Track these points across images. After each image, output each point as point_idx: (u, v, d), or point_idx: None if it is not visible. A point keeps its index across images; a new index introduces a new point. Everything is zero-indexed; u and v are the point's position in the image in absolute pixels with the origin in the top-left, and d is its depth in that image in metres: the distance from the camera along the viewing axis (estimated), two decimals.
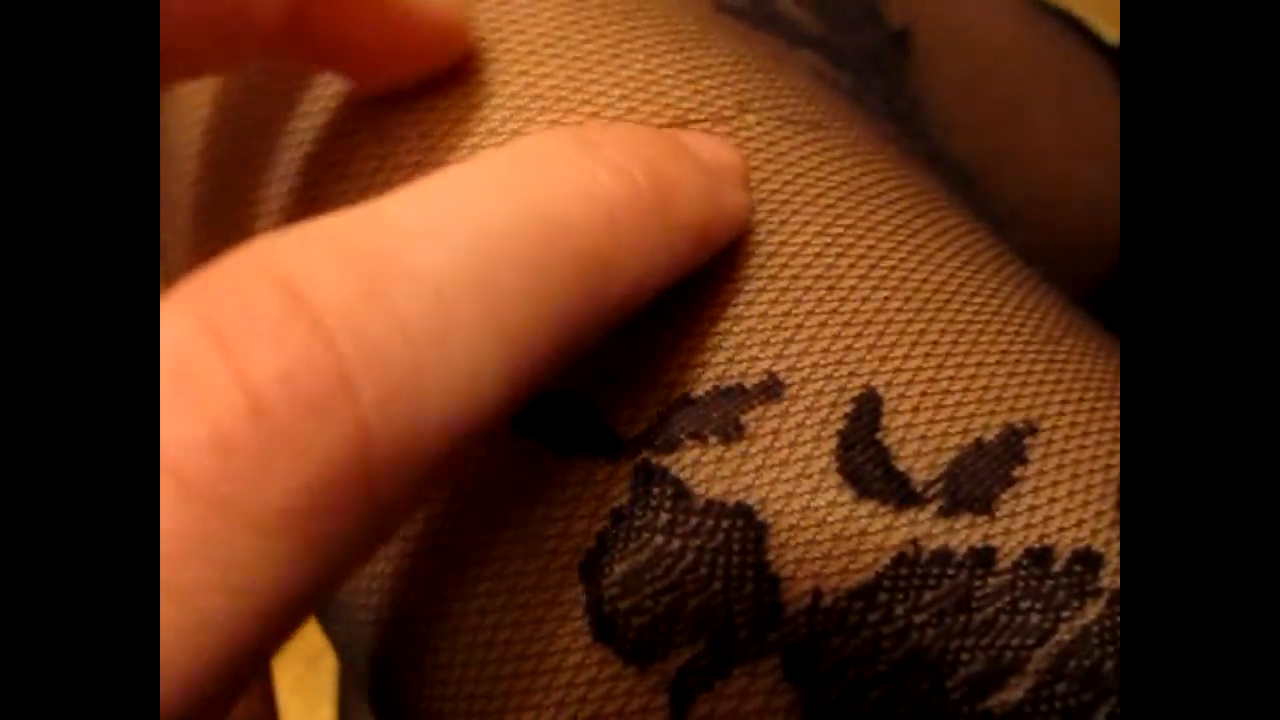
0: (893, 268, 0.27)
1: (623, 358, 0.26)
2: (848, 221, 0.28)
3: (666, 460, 0.25)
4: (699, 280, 0.26)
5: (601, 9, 0.29)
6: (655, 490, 0.25)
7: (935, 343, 0.26)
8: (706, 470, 0.25)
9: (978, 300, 0.28)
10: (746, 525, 0.24)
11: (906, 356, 0.26)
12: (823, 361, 0.26)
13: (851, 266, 0.27)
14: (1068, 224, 0.47)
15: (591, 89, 0.28)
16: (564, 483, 0.25)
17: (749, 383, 0.25)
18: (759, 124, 0.29)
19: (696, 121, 0.28)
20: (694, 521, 0.24)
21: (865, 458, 0.25)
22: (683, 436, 0.25)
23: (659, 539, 0.24)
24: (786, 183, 0.28)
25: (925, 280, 0.27)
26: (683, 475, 0.25)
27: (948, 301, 0.27)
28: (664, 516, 0.24)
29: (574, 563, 0.25)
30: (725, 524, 0.24)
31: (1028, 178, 0.45)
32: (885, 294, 0.27)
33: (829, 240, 0.27)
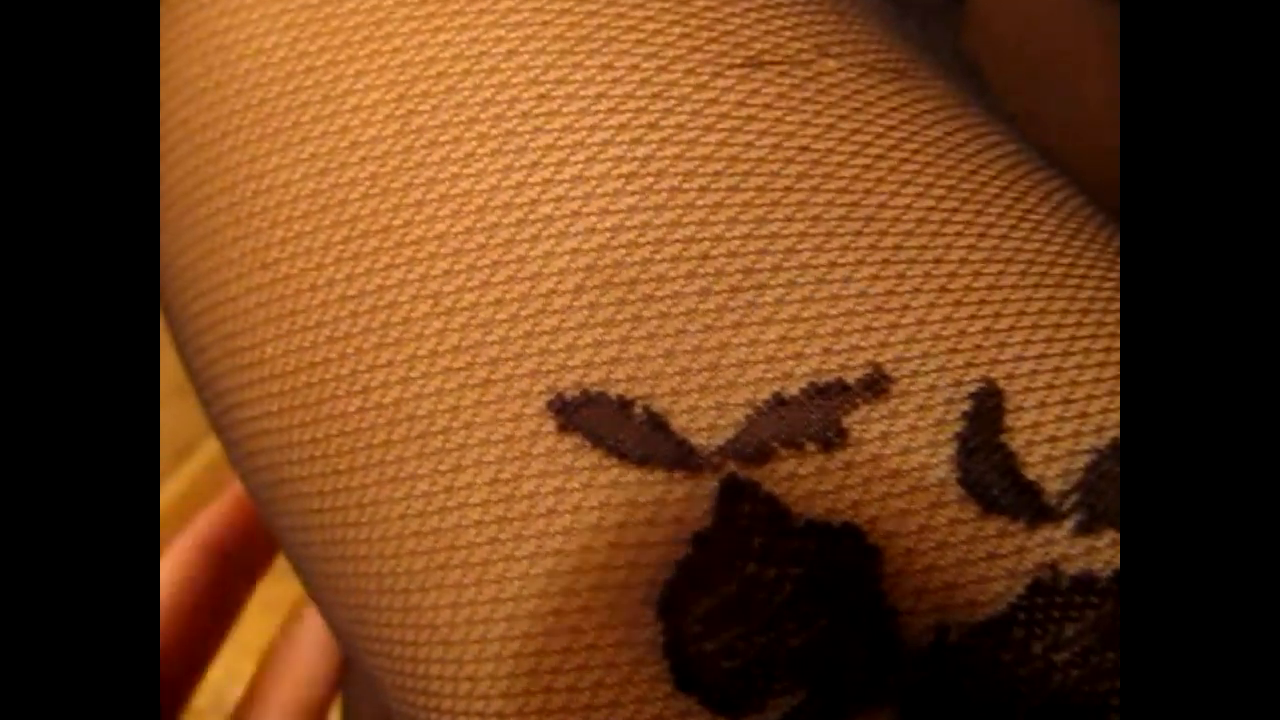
0: (1003, 236, 0.23)
1: (697, 351, 0.22)
2: (949, 183, 0.24)
3: (757, 474, 0.21)
4: (785, 249, 0.22)
5: None
6: (745, 509, 0.21)
7: (1057, 325, 0.22)
8: (805, 485, 0.21)
9: (1096, 274, 0.24)
10: (855, 549, 0.20)
11: (1027, 342, 0.22)
12: (934, 350, 0.22)
13: (958, 235, 0.23)
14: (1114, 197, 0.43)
15: (648, 27, 0.24)
16: (633, 502, 0.21)
17: (850, 377, 0.21)
18: (841, 70, 0.25)
19: (770, 64, 0.24)
20: (793, 546, 0.20)
21: (989, 465, 0.21)
22: (775, 444, 0.21)
23: (751, 567, 0.21)
24: (878, 135, 0.24)
25: (1039, 252, 0.23)
26: (777, 491, 0.21)
27: (1065, 277, 0.23)
28: (756, 540, 0.21)
29: (650, 597, 0.21)
30: (830, 548, 0.20)
31: (1075, 144, 0.41)
32: (998, 268, 0.23)
33: (931, 204, 0.23)
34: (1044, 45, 0.39)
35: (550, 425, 0.22)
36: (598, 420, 0.22)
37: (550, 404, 0.22)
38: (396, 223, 0.24)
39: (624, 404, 0.22)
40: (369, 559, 0.24)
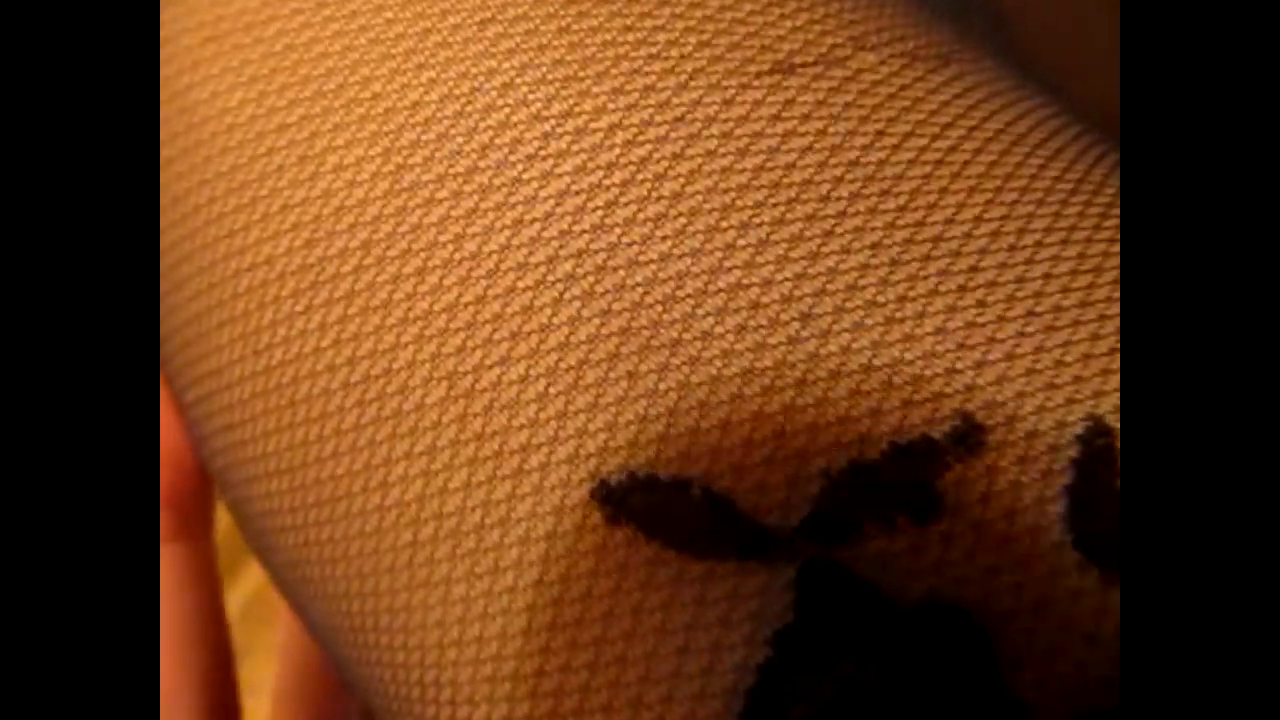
0: (1087, 240, 0.20)
1: (758, 418, 0.19)
2: (1019, 183, 0.21)
3: (844, 554, 0.18)
4: (846, 287, 0.19)
5: None
6: (832, 598, 0.18)
7: None
8: (900, 564, 0.18)
9: None
10: (967, 634, 0.18)
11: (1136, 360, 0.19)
12: (1029, 388, 0.19)
13: (1039, 246, 0.20)
14: None
15: (660, 38, 0.21)
16: (701, 600, 0.18)
17: (938, 432, 0.18)
18: (882, 63, 0.22)
19: (803, 66, 0.21)
20: (893, 637, 0.18)
21: (1107, 520, 0.18)
22: (861, 519, 0.18)
23: (847, 666, 0.18)
24: (934, 137, 0.21)
25: None
26: (868, 574, 0.18)
27: None
28: (850, 634, 0.18)
29: (731, 708, 0.18)
30: (937, 636, 0.18)
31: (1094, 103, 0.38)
32: (1087, 279, 0.20)
33: (1004, 211, 0.20)
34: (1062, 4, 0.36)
35: (597, 517, 0.19)
36: (651, 507, 0.19)
37: (594, 492, 0.19)
38: (398, 295, 0.21)
39: (679, 485, 0.19)
40: (407, 667, 0.21)
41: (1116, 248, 0.20)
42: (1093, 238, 0.20)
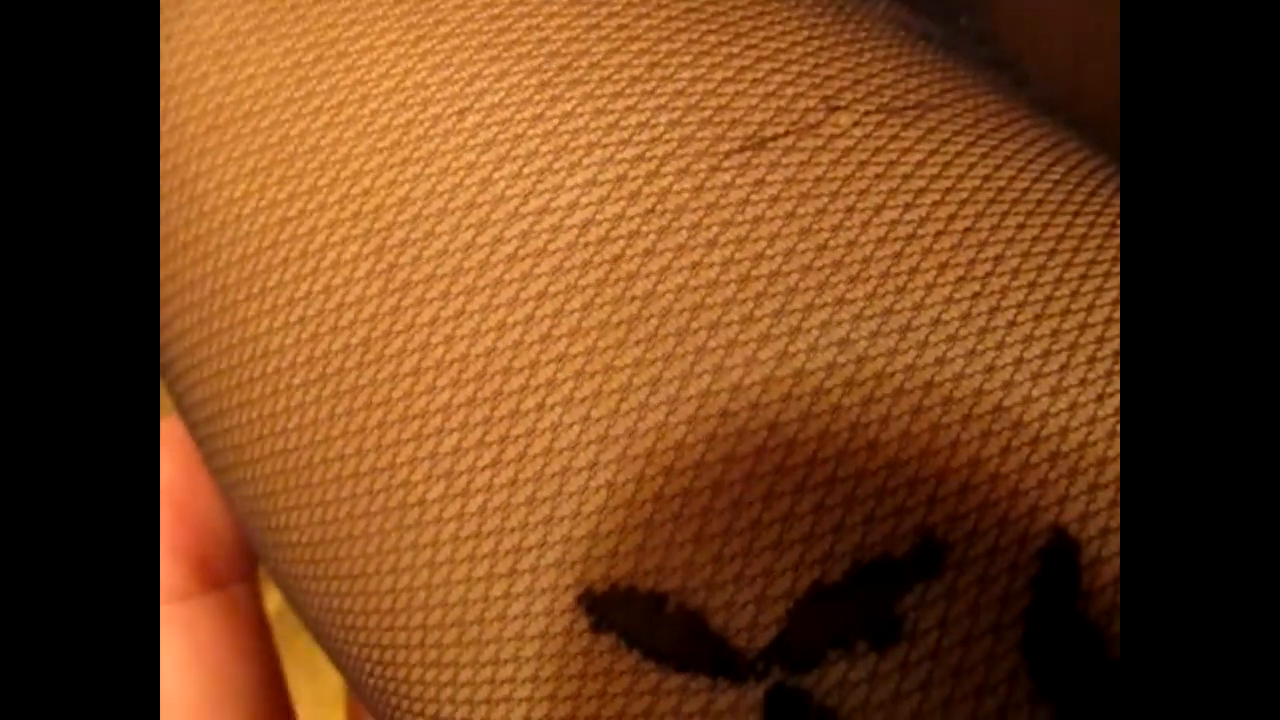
0: (1062, 314, 0.20)
1: (727, 534, 0.19)
2: (996, 250, 0.21)
3: (806, 681, 0.19)
4: (813, 390, 0.19)
5: (627, 5, 0.22)
6: None
7: None
8: (859, 694, 0.19)
9: None
10: None
11: (1103, 464, 0.19)
12: (992, 496, 0.19)
13: (1011, 325, 0.20)
14: None
15: (631, 121, 0.21)
16: (678, 712, 0.19)
17: (898, 550, 0.19)
18: (855, 124, 0.21)
19: (774, 138, 0.21)
20: None
21: (1065, 649, 0.18)
22: (823, 645, 0.19)
23: None
24: (907, 206, 0.21)
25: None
26: (829, 703, 0.19)
27: None
28: None
29: None
30: None
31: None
32: (1060, 360, 0.20)
33: (976, 289, 0.20)
34: (1065, 15, 0.33)
35: (584, 623, 0.20)
36: (631, 619, 0.20)
37: (580, 599, 0.20)
38: (396, 394, 0.22)
39: (656, 600, 0.20)
40: None
41: (1093, 318, 0.20)
42: (1070, 308, 0.20)
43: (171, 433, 0.29)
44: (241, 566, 0.29)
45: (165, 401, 0.26)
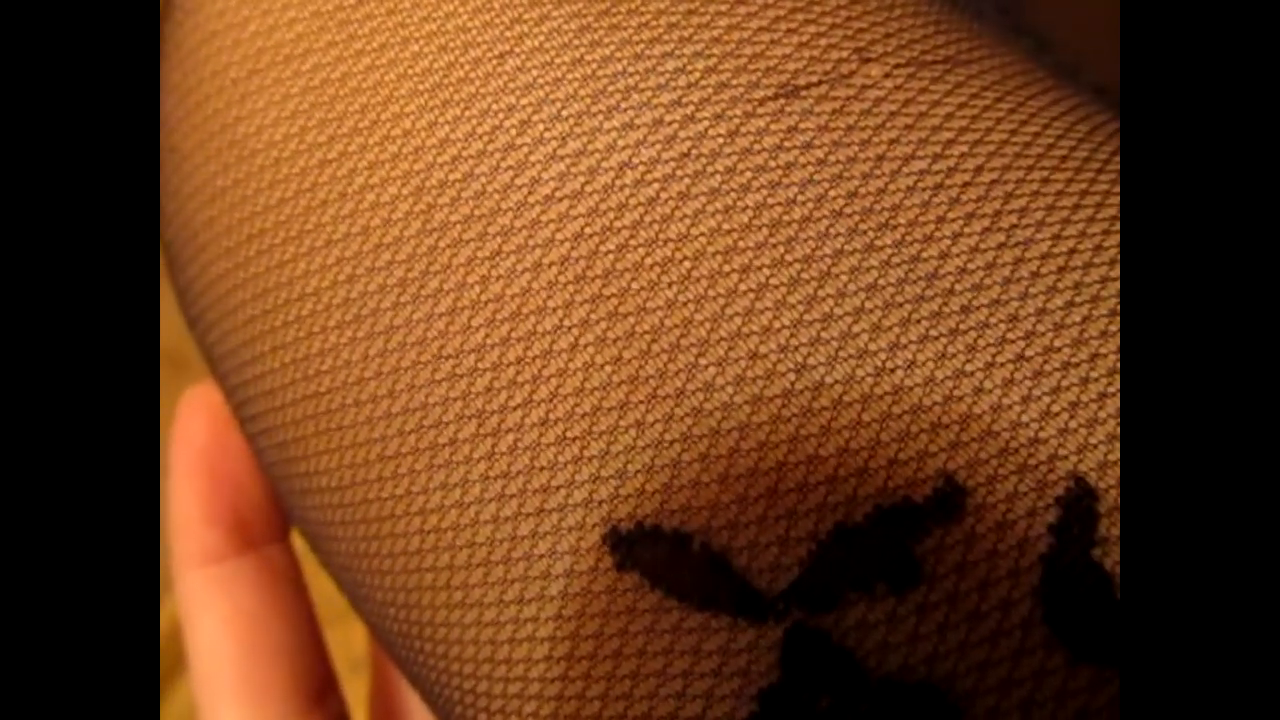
0: (1086, 266, 0.20)
1: (753, 474, 0.20)
2: (1021, 202, 0.21)
3: (825, 621, 0.19)
4: (840, 335, 0.19)
5: None
6: (813, 665, 0.19)
7: None
8: (877, 635, 0.19)
9: None
10: (938, 713, 0.18)
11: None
12: (1013, 443, 0.19)
13: (1035, 276, 0.20)
14: None
15: (668, 66, 0.21)
16: (698, 651, 0.20)
17: (919, 495, 0.19)
18: (886, 76, 0.21)
19: (807, 87, 0.21)
20: (865, 710, 0.19)
21: (1079, 596, 0.18)
22: (843, 586, 0.19)
23: None
24: (935, 157, 0.21)
25: None
26: (847, 643, 0.19)
27: None
28: (825, 702, 0.19)
29: None
30: (908, 715, 0.19)
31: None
32: (1084, 311, 0.20)
33: (1002, 239, 0.20)
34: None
35: (608, 561, 0.20)
36: (655, 558, 0.20)
37: (606, 538, 0.20)
38: (431, 334, 0.22)
39: (680, 539, 0.20)
40: (449, 674, 0.23)
41: (1116, 272, 0.20)
42: (1092, 261, 0.20)
43: (202, 398, 0.29)
44: (276, 527, 0.30)
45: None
